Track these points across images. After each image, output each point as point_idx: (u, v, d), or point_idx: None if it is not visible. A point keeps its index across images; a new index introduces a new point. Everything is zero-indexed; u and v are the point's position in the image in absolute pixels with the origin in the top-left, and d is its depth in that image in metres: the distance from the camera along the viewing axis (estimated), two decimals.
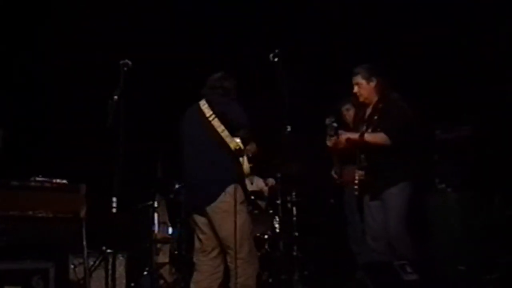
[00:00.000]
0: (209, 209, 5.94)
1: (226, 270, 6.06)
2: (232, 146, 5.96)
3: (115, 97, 5.76)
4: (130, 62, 5.92)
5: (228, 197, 5.87)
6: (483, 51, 8.12)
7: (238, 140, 5.99)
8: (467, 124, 7.74)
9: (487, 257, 7.04)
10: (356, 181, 6.51)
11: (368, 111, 6.63)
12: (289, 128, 5.95)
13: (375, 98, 6.57)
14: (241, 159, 6.04)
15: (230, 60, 8.67)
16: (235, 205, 5.83)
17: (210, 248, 6.08)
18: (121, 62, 5.92)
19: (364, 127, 6.46)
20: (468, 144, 7.71)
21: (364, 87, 6.57)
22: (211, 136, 5.99)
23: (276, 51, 6.05)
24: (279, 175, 8.12)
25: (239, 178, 6.01)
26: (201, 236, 6.10)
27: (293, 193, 7.88)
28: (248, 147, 6.30)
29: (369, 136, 6.37)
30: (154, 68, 7.11)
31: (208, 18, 9.09)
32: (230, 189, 5.88)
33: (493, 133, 7.72)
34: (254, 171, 8.76)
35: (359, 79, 6.58)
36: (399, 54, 8.36)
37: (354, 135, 6.47)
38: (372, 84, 6.55)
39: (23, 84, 8.62)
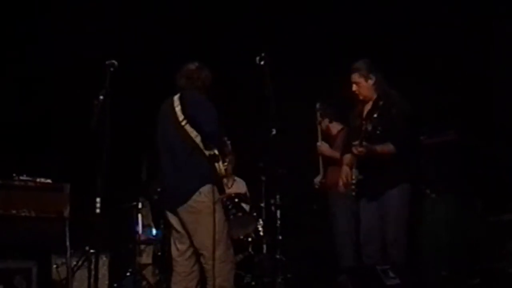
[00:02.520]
0: (182, 209, 5.93)
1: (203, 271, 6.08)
2: (206, 152, 5.96)
3: (101, 97, 5.76)
4: (116, 63, 5.92)
5: (203, 197, 5.88)
6: (467, 56, 8.15)
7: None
8: (451, 129, 7.76)
9: (470, 263, 7.07)
10: (354, 181, 6.38)
11: (367, 107, 6.48)
12: (274, 131, 5.96)
13: (374, 95, 6.43)
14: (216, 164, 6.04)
15: (217, 62, 8.67)
16: (214, 204, 5.86)
17: (185, 248, 6.06)
18: (107, 62, 5.92)
19: (364, 126, 6.27)
20: (452, 150, 7.73)
21: (362, 85, 6.44)
22: (185, 140, 5.96)
23: (263, 54, 6.06)
24: (263, 178, 8.12)
25: (214, 179, 6.00)
26: (175, 235, 6.11)
27: (277, 196, 7.87)
28: (226, 161, 6.22)
29: (379, 149, 6.22)
30: (140, 69, 7.10)
31: (195, 20, 9.09)
32: (206, 189, 5.89)
33: (478, 139, 7.74)
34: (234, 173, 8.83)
35: (357, 77, 6.44)
36: (383, 58, 8.37)
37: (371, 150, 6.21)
38: (371, 81, 6.42)
39: (7, 83, 8.57)
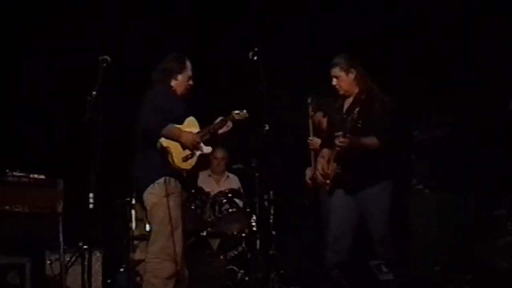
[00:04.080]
0: (143, 200, 6.05)
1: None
2: (157, 144, 5.99)
3: (94, 93, 5.76)
4: (109, 58, 5.93)
5: (156, 189, 5.91)
6: (460, 53, 8.17)
7: (162, 139, 5.97)
8: (444, 125, 7.78)
9: (463, 258, 7.09)
10: (330, 174, 6.26)
11: (348, 102, 6.35)
12: (267, 127, 5.96)
13: (355, 90, 6.27)
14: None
15: (210, 57, 8.68)
16: (166, 197, 5.87)
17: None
18: (100, 58, 5.92)
19: (346, 120, 6.15)
20: (445, 145, 7.75)
21: (343, 79, 6.27)
22: (141, 133, 6.06)
23: (256, 49, 6.06)
24: (257, 174, 8.12)
25: (168, 172, 5.97)
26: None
27: (271, 192, 7.87)
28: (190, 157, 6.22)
29: (363, 141, 6.07)
30: (133, 64, 7.10)
31: (188, 15, 9.08)
32: (160, 181, 5.91)
33: (471, 134, 7.76)
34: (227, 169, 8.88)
35: (337, 71, 6.27)
36: (378, 54, 8.38)
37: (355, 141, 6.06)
38: (352, 75, 6.25)
39: (3, 78, 8.57)
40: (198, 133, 6.15)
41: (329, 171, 6.28)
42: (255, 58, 6.04)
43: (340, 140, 6.00)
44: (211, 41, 9.11)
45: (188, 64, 6.30)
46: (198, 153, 6.11)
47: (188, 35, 8.92)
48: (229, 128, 6.36)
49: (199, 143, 6.09)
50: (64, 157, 8.20)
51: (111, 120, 5.85)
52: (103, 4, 8.78)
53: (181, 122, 6.11)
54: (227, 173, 8.89)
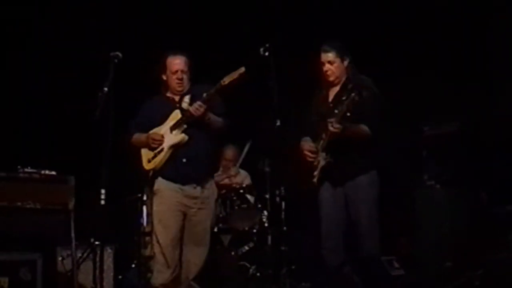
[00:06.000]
0: None
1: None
2: None
3: (105, 89, 5.78)
4: (120, 54, 5.94)
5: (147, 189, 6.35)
6: (469, 48, 8.15)
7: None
8: (455, 121, 7.77)
9: (474, 254, 7.07)
10: (318, 165, 6.07)
11: (334, 90, 6.17)
12: (278, 123, 5.94)
13: (343, 78, 6.12)
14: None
15: (221, 53, 8.68)
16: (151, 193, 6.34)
17: None
18: (111, 54, 5.94)
19: (338, 109, 5.83)
20: (456, 141, 7.73)
21: (337, 65, 6.08)
22: None
23: (267, 45, 6.05)
24: (267, 169, 8.12)
25: (157, 171, 6.24)
26: None
27: (282, 188, 7.87)
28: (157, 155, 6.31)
29: (356, 129, 5.90)
30: (143, 60, 7.10)
31: (198, 11, 9.08)
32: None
33: (481, 130, 7.74)
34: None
35: (333, 57, 6.05)
36: (388, 51, 8.37)
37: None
38: (345, 63, 6.09)
39: (11, 74, 8.58)
40: (174, 124, 6.20)
41: (316, 163, 6.10)
42: (266, 54, 6.02)
43: (334, 126, 5.81)
44: (222, 36, 9.10)
45: (170, 60, 6.28)
46: (165, 147, 6.18)
47: (199, 31, 8.93)
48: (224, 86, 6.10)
49: (156, 140, 6.18)
50: (76, 153, 8.21)
51: (123, 115, 5.87)
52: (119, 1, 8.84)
53: (164, 120, 6.26)
54: (239, 170, 8.89)
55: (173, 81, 6.26)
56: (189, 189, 6.19)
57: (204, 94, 6.05)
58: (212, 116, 6.16)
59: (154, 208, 6.27)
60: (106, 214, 5.82)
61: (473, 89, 7.94)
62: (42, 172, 7.00)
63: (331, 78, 6.12)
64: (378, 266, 6.03)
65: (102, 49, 6.30)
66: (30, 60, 8.69)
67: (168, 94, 6.36)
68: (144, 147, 6.27)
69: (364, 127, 5.94)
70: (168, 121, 6.23)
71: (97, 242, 6.36)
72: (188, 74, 6.30)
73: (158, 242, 6.19)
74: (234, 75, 5.97)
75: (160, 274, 6.20)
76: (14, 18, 8.64)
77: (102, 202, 5.76)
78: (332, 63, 6.09)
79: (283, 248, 7.53)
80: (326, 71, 6.12)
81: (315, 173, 6.10)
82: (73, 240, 6.93)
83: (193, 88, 6.31)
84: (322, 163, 6.06)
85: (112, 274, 7.53)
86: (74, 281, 6.96)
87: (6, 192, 6.76)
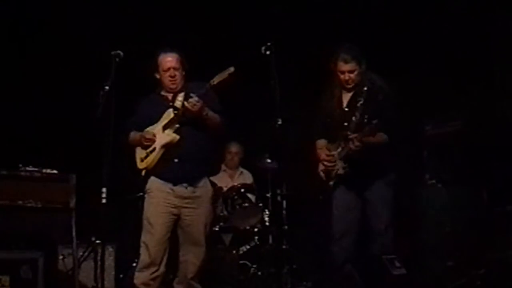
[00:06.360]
0: None
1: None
2: None
3: (106, 87, 5.78)
4: (121, 53, 5.94)
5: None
6: (471, 47, 8.14)
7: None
8: (457, 120, 7.75)
9: (476, 253, 7.06)
10: (336, 172, 6.20)
11: (348, 94, 6.24)
12: (280, 121, 5.93)
13: (359, 82, 6.18)
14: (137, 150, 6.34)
15: (222, 52, 8.67)
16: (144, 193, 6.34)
17: None
18: (113, 52, 5.94)
19: (356, 115, 6.05)
20: (458, 140, 7.72)
21: (357, 73, 6.14)
22: None
23: (269, 44, 6.04)
24: (269, 168, 8.12)
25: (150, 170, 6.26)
26: None
27: (283, 187, 7.87)
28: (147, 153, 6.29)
29: (374, 141, 5.99)
30: (145, 59, 7.10)
31: (200, 9, 9.06)
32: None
33: (483, 128, 7.72)
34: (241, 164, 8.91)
35: (354, 65, 6.12)
36: (389, 50, 8.35)
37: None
38: (364, 67, 6.16)
39: (13, 74, 8.58)
40: (167, 123, 6.18)
41: (333, 168, 6.21)
42: (268, 52, 6.01)
43: (355, 144, 5.93)
44: (223, 34, 9.09)
45: (162, 58, 6.26)
46: (157, 146, 6.15)
47: (201, 30, 8.92)
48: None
49: (148, 139, 6.17)
50: (77, 152, 8.21)
51: (124, 114, 5.87)
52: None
53: (158, 118, 6.23)
54: (241, 169, 8.90)
55: (166, 79, 6.24)
56: (180, 189, 6.16)
57: (194, 95, 6.02)
58: (209, 112, 6.13)
59: (144, 207, 6.28)
60: (107, 213, 5.82)
61: (475, 88, 7.93)
62: (44, 170, 7.01)
63: (350, 86, 6.18)
64: (387, 263, 6.05)
65: (103, 47, 6.29)
66: (31, 58, 8.67)
67: (163, 93, 6.34)
68: (138, 146, 6.27)
69: (383, 136, 6.02)
70: (161, 120, 6.20)
71: (98, 241, 6.39)
72: (181, 72, 6.26)
73: (144, 241, 6.17)
74: (224, 75, 5.97)
75: (141, 273, 6.17)
76: (15, 17, 8.64)
77: (104, 200, 5.77)
78: (352, 72, 6.13)
79: (284, 247, 7.54)
80: (347, 80, 6.16)
81: (332, 178, 6.22)
82: (74, 239, 6.94)
83: (187, 86, 6.28)
84: (340, 171, 6.17)
85: (113, 273, 7.52)
86: (75, 280, 6.97)
87: (7, 191, 6.77)
